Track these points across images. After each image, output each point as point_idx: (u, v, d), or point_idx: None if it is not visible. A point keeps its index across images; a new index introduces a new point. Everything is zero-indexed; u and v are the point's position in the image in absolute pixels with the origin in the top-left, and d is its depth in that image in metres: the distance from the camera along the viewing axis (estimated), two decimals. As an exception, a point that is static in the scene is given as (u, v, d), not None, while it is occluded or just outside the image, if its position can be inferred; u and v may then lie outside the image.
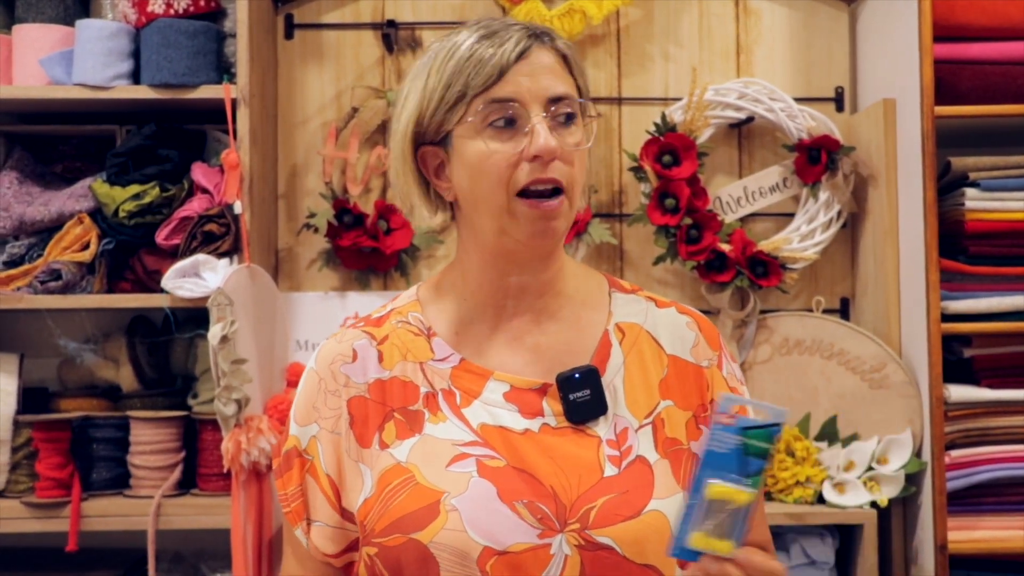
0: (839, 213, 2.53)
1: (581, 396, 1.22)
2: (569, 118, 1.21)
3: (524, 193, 1.20)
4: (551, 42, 1.24)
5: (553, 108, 1.20)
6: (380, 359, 1.28)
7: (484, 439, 1.22)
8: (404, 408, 1.26)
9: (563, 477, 1.20)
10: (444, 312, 1.30)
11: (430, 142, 1.25)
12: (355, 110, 2.55)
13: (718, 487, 1.06)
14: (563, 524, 1.17)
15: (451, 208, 1.29)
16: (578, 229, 2.51)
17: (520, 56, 1.20)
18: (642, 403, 1.25)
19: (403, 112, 1.26)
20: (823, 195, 2.51)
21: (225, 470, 2.19)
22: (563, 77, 1.22)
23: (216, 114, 2.31)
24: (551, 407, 1.23)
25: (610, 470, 1.19)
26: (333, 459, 1.26)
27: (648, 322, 1.30)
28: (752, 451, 1.07)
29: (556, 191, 1.20)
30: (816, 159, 2.50)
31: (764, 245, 2.50)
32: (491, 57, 1.19)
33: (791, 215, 2.58)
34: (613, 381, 1.25)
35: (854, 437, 2.39)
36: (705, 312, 2.45)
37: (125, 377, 2.40)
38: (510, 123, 1.20)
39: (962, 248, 2.27)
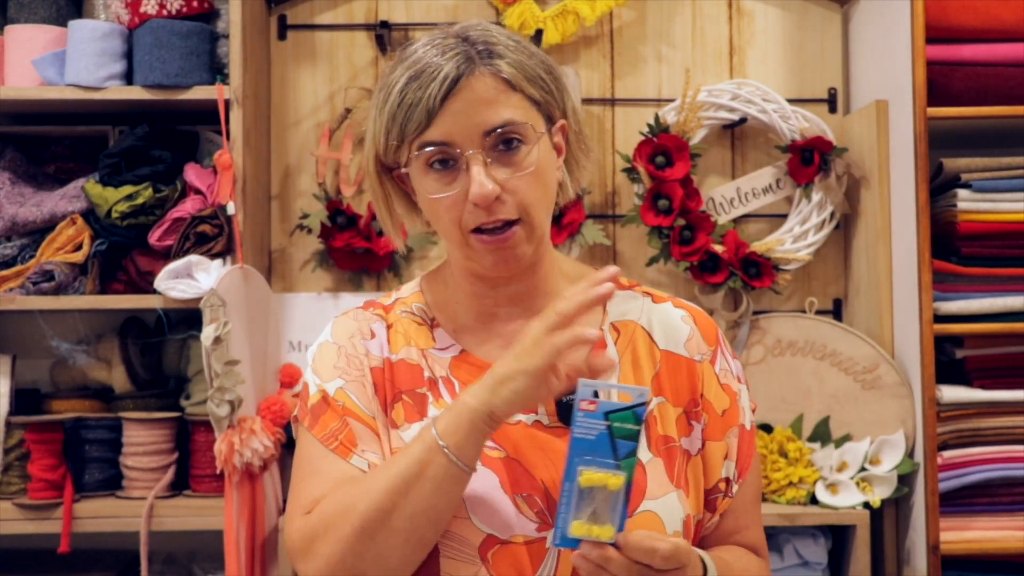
0: (832, 214, 2.53)
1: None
2: (512, 143, 1.19)
3: (477, 230, 1.21)
4: (489, 62, 1.19)
5: (490, 140, 1.18)
6: (388, 342, 1.29)
7: None
8: (411, 390, 1.27)
9: (553, 471, 1.21)
10: (442, 306, 1.31)
11: (397, 167, 1.26)
12: (348, 111, 2.56)
13: (589, 474, 1.07)
14: (554, 518, 1.18)
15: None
16: (571, 230, 2.51)
17: (448, 95, 1.17)
18: None
19: (366, 147, 1.26)
20: (816, 196, 2.51)
21: (218, 471, 2.19)
22: (504, 101, 1.18)
23: (209, 115, 2.31)
24: (544, 407, 1.24)
25: None
26: (371, 406, 1.26)
27: (644, 318, 1.29)
28: (620, 434, 1.07)
29: (509, 224, 1.20)
30: (809, 160, 2.50)
31: (757, 246, 2.51)
32: (418, 101, 1.17)
33: (784, 216, 2.58)
34: (608, 382, 1.25)
35: (847, 438, 2.39)
36: None
37: (118, 378, 2.39)
38: (448, 164, 1.19)
39: (954, 249, 2.28)
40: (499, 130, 1.18)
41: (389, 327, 1.30)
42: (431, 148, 1.19)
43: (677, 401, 1.27)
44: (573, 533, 1.07)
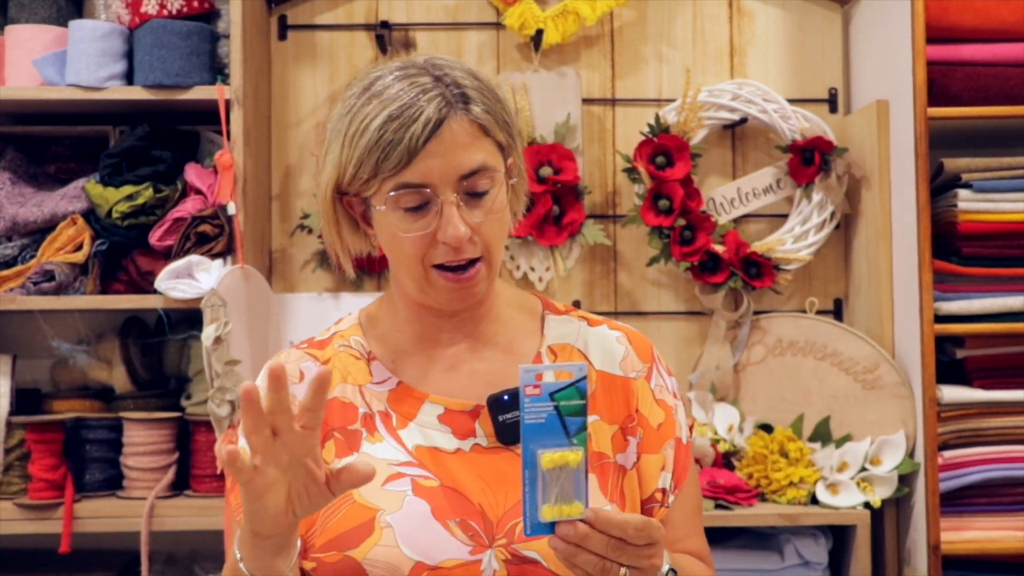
0: (832, 214, 2.53)
1: (510, 417, 1.23)
2: (481, 192, 1.20)
3: (440, 266, 1.21)
4: (465, 108, 1.20)
5: (463, 185, 1.19)
6: None
7: (418, 460, 1.24)
8: (343, 428, 1.26)
9: (491, 495, 1.22)
10: (381, 338, 1.31)
11: (353, 195, 1.24)
12: (349, 111, 2.56)
13: (549, 455, 1.07)
14: (491, 540, 1.20)
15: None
16: (572, 230, 2.50)
17: (430, 137, 1.17)
18: None
19: (324, 169, 1.24)
20: (816, 196, 2.51)
21: (219, 471, 2.20)
22: (478, 145, 1.20)
23: (210, 115, 2.31)
24: (483, 428, 1.24)
25: None
26: None
27: (580, 341, 1.31)
28: (568, 411, 1.08)
29: (472, 262, 1.22)
30: (809, 160, 2.50)
31: (758, 246, 2.50)
32: (399, 141, 1.17)
33: (785, 216, 2.57)
34: (543, 364, 1.25)
35: (847, 438, 2.39)
36: (698, 313, 2.58)
37: (118, 378, 2.39)
38: (420, 205, 1.19)
39: (955, 249, 2.27)
40: (474, 175, 1.19)
41: (324, 364, 1.29)
42: (406, 188, 1.19)
43: (612, 419, 1.29)
44: (545, 517, 1.08)
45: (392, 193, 1.19)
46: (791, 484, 2.34)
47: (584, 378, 1.09)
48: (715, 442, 2.41)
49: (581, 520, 1.07)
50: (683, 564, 1.26)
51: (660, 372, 1.33)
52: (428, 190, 1.19)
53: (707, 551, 1.34)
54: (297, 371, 1.29)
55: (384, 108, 1.19)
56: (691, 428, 1.35)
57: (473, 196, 1.21)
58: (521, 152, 1.30)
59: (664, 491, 1.29)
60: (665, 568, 1.14)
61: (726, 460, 2.42)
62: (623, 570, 1.09)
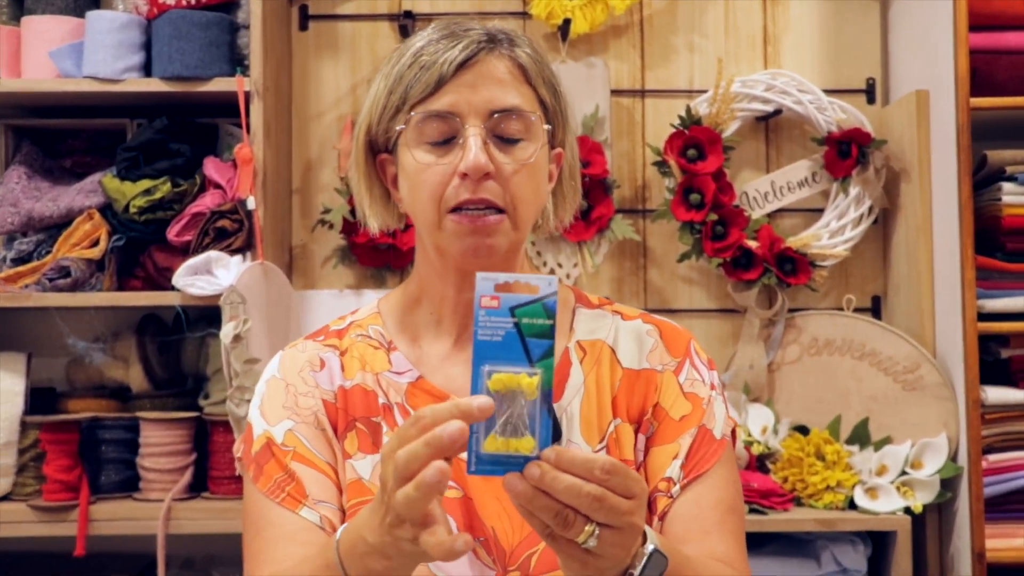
0: (870, 208, 2.52)
1: None
2: (514, 139, 1.18)
3: (457, 210, 1.17)
4: (510, 49, 1.19)
5: (494, 122, 1.17)
6: (342, 369, 1.25)
7: None
8: (366, 418, 1.23)
9: (506, 519, 1.17)
10: (405, 326, 1.27)
11: (384, 150, 1.23)
12: (371, 103, 2.55)
13: (498, 376, 0.94)
14: (504, 569, 1.14)
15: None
16: (600, 225, 2.50)
17: (463, 65, 1.16)
18: (596, 426, 1.21)
19: (360, 117, 1.24)
20: (854, 190, 2.50)
21: (237, 473, 2.21)
22: (516, 88, 1.18)
23: (229, 107, 2.31)
24: None
25: None
26: (326, 450, 1.21)
27: (611, 336, 1.27)
28: (531, 331, 0.96)
29: (492, 210, 1.17)
30: (846, 153, 2.48)
31: (792, 242, 2.49)
32: (431, 65, 1.16)
33: (820, 211, 2.56)
34: (570, 405, 1.22)
35: (887, 440, 2.38)
36: (731, 311, 2.57)
37: (135, 377, 2.39)
38: (446, 138, 1.17)
39: (999, 244, 2.25)
40: (508, 113, 1.17)
41: (342, 354, 1.26)
42: (432, 116, 1.16)
43: (631, 417, 1.24)
44: (488, 450, 0.94)
45: (418, 119, 1.17)
46: (828, 488, 2.33)
47: (553, 295, 0.96)
48: (749, 444, 2.39)
49: (534, 458, 0.93)
50: (689, 558, 1.10)
51: (696, 366, 1.27)
52: (455, 120, 1.16)
53: (738, 559, 1.20)
54: (318, 359, 1.25)
55: (425, 37, 1.19)
56: (734, 432, 1.27)
57: (504, 141, 1.17)
58: (575, 153, 1.27)
59: (670, 480, 1.21)
60: (649, 547, 1.00)
61: (760, 463, 2.42)
62: (592, 527, 0.94)
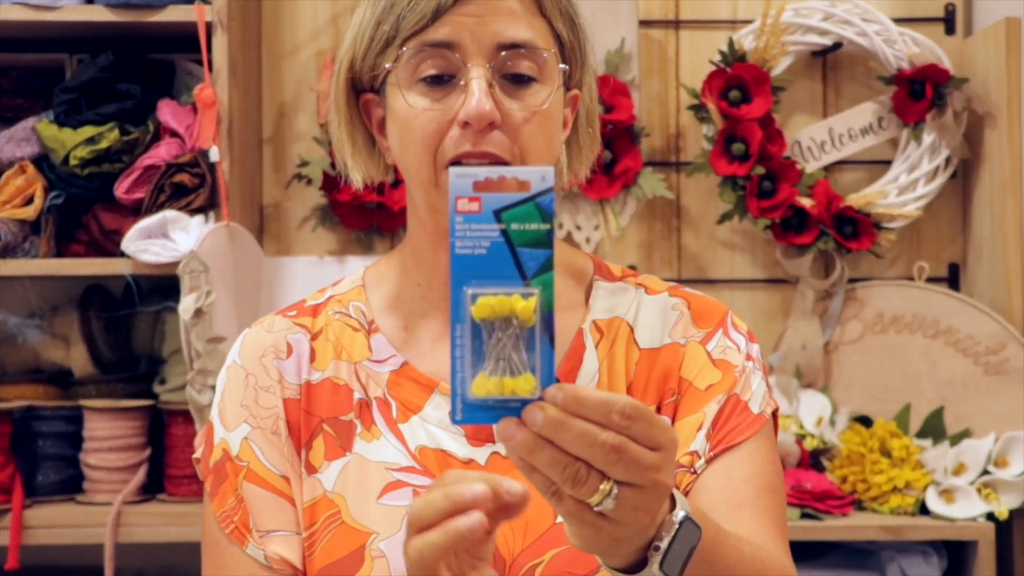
0: (947, 160, 2.50)
1: None
2: (525, 79, 1.17)
3: (456, 163, 1.16)
4: None
5: (501, 60, 1.15)
6: (312, 357, 1.24)
7: (423, 465, 1.18)
8: (334, 418, 1.22)
9: (505, 524, 1.09)
10: (391, 302, 1.27)
11: (369, 89, 1.23)
12: (355, 36, 2.53)
13: (487, 300, 0.87)
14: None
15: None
16: (626, 181, 2.48)
17: None
18: None
19: (341, 50, 1.23)
20: (928, 138, 2.49)
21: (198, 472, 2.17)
22: (528, 21, 1.17)
23: (187, 41, 2.31)
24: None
25: None
26: (281, 461, 1.22)
27: (631, 313, 1.26)
28: (522, 239, 0.88)
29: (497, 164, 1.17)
30: (919, 94, 2.47)
31: (854, 200, 2.47)
32: None
33: (888, 163, 2.55)
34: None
35: (965, 434, 2.38)
36: (780, 282, 2.58)
37: (77, 359, 2.39)
38: (444, 77, 1.16)
39: (1101, 201, 2.26)
40: (516, 49, 1.16)
41: (314, 337, 1.25)
42: (429, 50, 1.15)
43: (648, 401, 1.22)
44: (476, 393, 0.87)
45: (413, 54, 1.15)
46: (895, 490, 2.32)
47: (548, 191, 0.89)
48: (801, 438, 2.38)
49: (536, 400, 0.87)
50: (727, 533, 1.06)
51: (730, 336, 1.26)
52: (456, 55, 1.14)
53: (777, 546, 1.17)
54: (284, 343, 1.24)
55: None
56: (775, 414, 1.25)
57: (513, 82, 1.16)
58: (593, 78, 1.26)
59: (694, 454, 1.19)
60: (680, 514, 0.95)
61: (814, 460, 2.40)
62: (608, 485, 0.88)
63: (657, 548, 0.94)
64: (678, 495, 0.97)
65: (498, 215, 0.89)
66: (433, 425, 1.19)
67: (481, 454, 1.18)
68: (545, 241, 0.88)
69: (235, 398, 1.23)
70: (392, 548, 1.14)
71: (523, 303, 0.87)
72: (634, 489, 0.88)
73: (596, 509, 0.88)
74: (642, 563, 0.94)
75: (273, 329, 1.25)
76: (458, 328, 0.88)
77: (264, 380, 1.23)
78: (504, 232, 0.88)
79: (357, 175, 1.25)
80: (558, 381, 0.88)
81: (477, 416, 0.88)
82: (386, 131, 1.22)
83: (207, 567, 1.23)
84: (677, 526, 0.94)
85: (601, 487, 0.87)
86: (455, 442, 1.19)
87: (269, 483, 1.20)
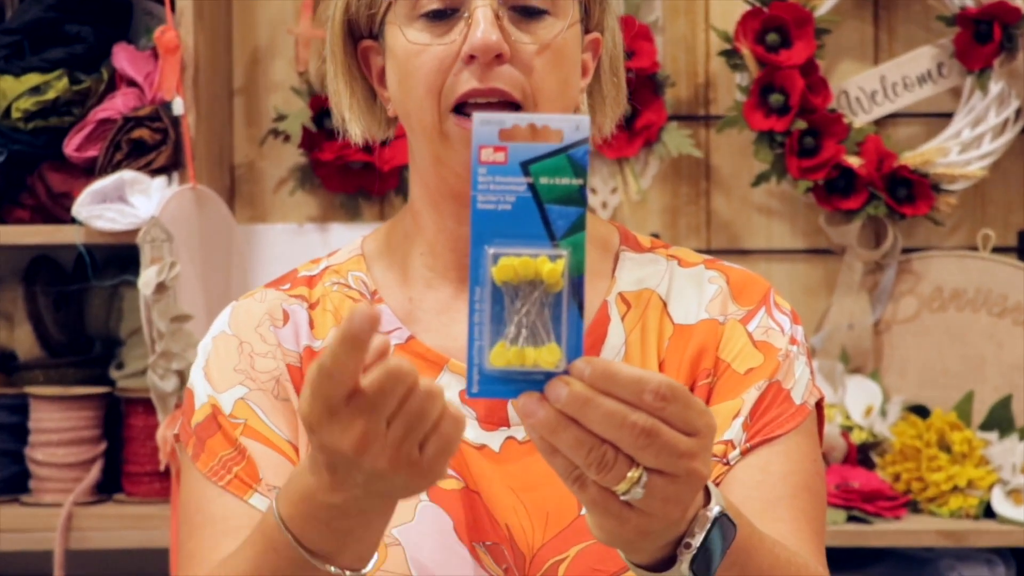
0: (1018, 112, 2.48)
1: None
2: (535, 11, 1.19)
3: (462, 108, 1.19)
4: None
5: None
6: (311, 325, 1.27)
7: None
8: None
9: (524, 515, 1.19)
10: (394, 271, 1.30)
11: (368, 35, 1.26)
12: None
13: (507, 260, 0.88)
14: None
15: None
16: (648, 137, 2.47)
17: None
18: None
19: None
20: (995, 87, 2.46)
21: (162, 467, 2.18)
22: None
23: None
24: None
25: None
26: (287, 425, 1.23)
27: (663, 285, 1.29)
28: (552, 196, 0.89)
29: (509, 107, 1.19)
30: (986, 36, 2.44)
31: (909, 158, 2.45)
32: None
33: (948, 116, 2.52)
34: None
35: None
36: (824, 252, 2.55)
37: (22, 340, 2.42)
38: (447, 11, 1.19)
39: None
40: None
41: (312, 307, 1.29)
42: None
43: (680, 382, 1.17)
44: (494, 363, 0.88)
45: None
46: (956, 489, 2.31)
47: (583, 142, 0.89)
48: (847, 430, 2.36)
49: (561, 374, 0.87)
50: (763, 534, 1.07)
51: (773, 315, 1.28)
52: None
53: (812, 552, 1.19)
54: (280, 311, 1.27)
55: None
56: (820, 404, 1.26)
57: (522, 14, 1.18)
58: (616, 21, 1.29)
59: (728, 443, 1.21)
60: (715, 509, 0.96)
61: (862, 455, 2.39)
62: (637, 472, 0.89)
63: (688, 545, 0.94)
64: (713, 488, 0.98)
65: (526, 167, 0.89)
66: None
67: (495, 439, 1.21)
68: (577, 198, 0.89)
69: (226, 364, 1.24)
70: (407, 536, 1.16)
71: (550, 266, 0.87)
72: (665, 477, 0.89)
73: (622, 498, 0.89)
74: (669, 561, 0.95)
75: (267, 299, 1.28)
76: (477, 291, 0.88)
77: (261, 347, 1.24)
78: (532, 186, 0.89)
79: (356, 128, 1.27)
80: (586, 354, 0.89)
81: (495, 389, 0.88)
82: (386, 81, 1.24)
83: (187, 542, 1.21)
84: (711, 522, 0.95)
85: (629, 474, 0.88)
86: (467, 426, 1.19)
87: (274, 444, 1.21)
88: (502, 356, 0.87)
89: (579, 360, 0.87)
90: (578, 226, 0.89)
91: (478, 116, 0.90)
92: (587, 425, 0.87)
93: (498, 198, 0.89)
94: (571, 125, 0.89)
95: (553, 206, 0.89)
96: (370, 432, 0.89)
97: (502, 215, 0.89)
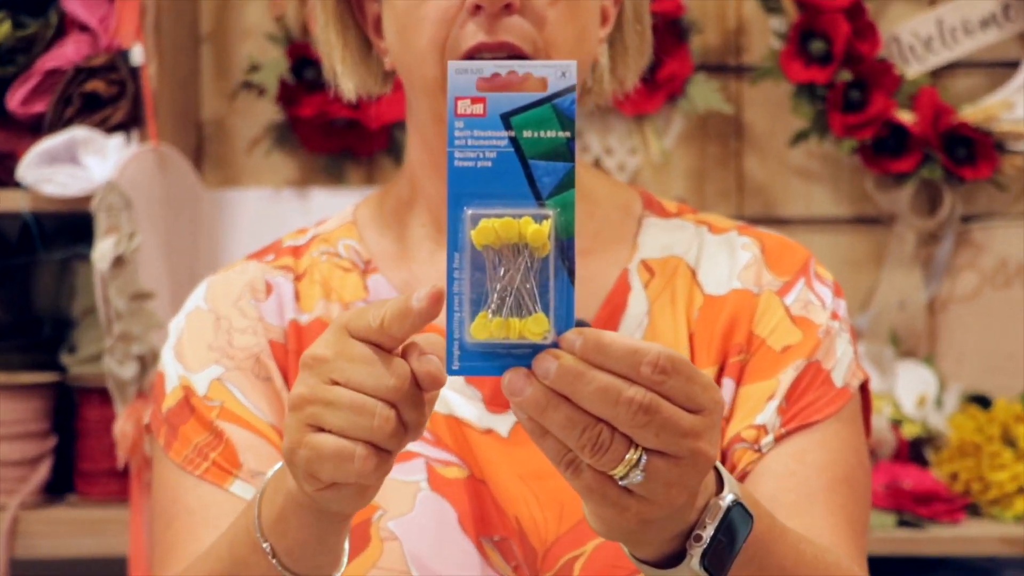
0: None
1: None
2: None
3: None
4: None
5: None
6: (297, 298, 1.31)
7: (435, 434, 1.24)
8: None
9: (535, 506, 1.22)
10: (390, 240, 1.34)
11: None
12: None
13: (488, 222, 0.89)
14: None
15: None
16: (672, 90, 2.47)
17: None
18: None
19: None
20: None
21: (120, 465, 2.18)
22: None
23: None
24: None
25: None
26: (269, 406, 1.26)
27: (691, 252, 1.32)
28: (537, 150, 0.91)
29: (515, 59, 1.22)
30: None
31: (969, 114, 2.45)
32: None
33: (1014, 66, 2.52)
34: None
35: None
36: (871, 221, 2.57)
37: None
38: None
39: None
40: None
41: (298, 278, 1.32)
42: None
43: (711, 358, 1.28)
44: (476, 336, 0.89)
45: None
46: (1021, 491, 2.31)
47: (569, 90, 0.91)
48: (897, 423, 2.37)
49: (549, 346, 0.88)
50: (785, 529, 1.09)
51: (813, 287, 1.31)
52: None
53: (852, 552, 1.21)
54: (263, 283, 1.31)
55: None
56: (865, 387, 1.29)
57: None
58: None
59: (761, 428, 1.24)
60: (728, 497, 0.98)
61: (915, 451, 2.40)
62: (636, 454, 0.90)
63: (699, 538, 0.96)
64: (726, 474, 0.99)
65: (506, 120, 0.91)
66: (446, 387, 1.18)
67: (503, 423, 1.23)
68: (564, 152, 0.90)
69: (200, 342, 1.28)
70: (405, 529, 1.19)
71: (535, 227, 0.88)
72: (667, 459, 0.89)
73: (621, 483, 0.90)
74: (678, 556, 0.96)
75: (247, 271, 1.32)
76: (456, 257, 0.90)
77: (240, 322, 1.28)
78: (514, 140, 0.91)
79: (349, 83, 1.30)
80: (579, 324, 0.89)
81: (477, 365, 0.90)
82: (383, 30, 1.27)
83: (161, 538, 1.24)
84: (724, 512, 0.96)
85: (627, 456, 0.89)
86: (471, 408, 1.25)
87: (254, 426, 1.24)
88: (484, 328, 0.88)
89: (569, 331, 0.88)
90: (566, 183, 0.90)
91: (453, 64, 0.91)
92: (580, 402, 0.87)
93: (477, 154, 0.90)
94: (556, 72, 0.90)
95: (538, 162, 0.90)
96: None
97: (481, 172, 0.90)
